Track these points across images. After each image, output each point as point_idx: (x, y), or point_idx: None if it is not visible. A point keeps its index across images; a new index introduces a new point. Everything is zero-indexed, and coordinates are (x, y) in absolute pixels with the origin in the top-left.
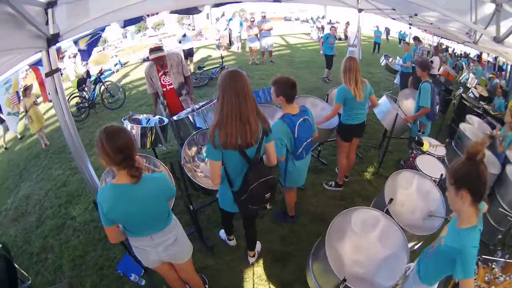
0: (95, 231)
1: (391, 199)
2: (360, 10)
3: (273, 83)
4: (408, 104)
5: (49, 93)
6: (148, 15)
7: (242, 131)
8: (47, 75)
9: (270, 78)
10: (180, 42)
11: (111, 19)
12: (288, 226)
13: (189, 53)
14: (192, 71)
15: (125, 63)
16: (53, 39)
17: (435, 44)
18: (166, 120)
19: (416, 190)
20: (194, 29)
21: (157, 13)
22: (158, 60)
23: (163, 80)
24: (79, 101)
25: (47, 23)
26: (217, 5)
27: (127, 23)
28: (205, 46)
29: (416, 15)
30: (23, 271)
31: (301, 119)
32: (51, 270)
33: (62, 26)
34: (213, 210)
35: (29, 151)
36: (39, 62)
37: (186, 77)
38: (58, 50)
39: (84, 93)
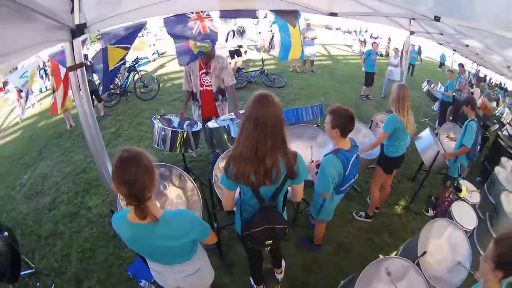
0: (109, 226)
1: (424, 252)
2: (412, 33)
3: (330, 112)
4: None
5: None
6: (192, 13)
7: (256, 168)
8: (70, 69)
9: (310, 89)
10: (226, 40)
11: (149, 13)
12: (311, 254)
13: (236, 52)
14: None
15: (163, 53)
16: (78, 30)
17: (474, 71)
18: (199, 125)
19: (447, 240)
20: (242, 30)
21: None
22: (208, 56)
23: (203, 79)
24: (111, 86)
25: (72, 11)
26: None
27: (170, 24)
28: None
29: (467, 46)
30: (28, 260)
31: (354, 156)
32: (58, 257)
33: (90, 16)
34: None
35: (53, 129)
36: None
37: (228, 86)
38: (84, 42)
39: (117, 79)
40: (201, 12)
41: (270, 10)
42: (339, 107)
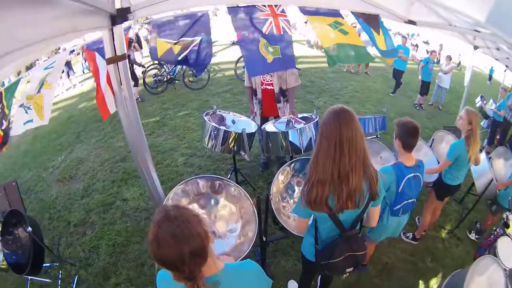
0: (145, 222)
1: None
2: (476, 48)
3: (395, 123)
4: (500, 164)
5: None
6: (264, 6)
7: (337, 190)
8: (109, 61)
9: (365, 92)
10: None
11: (211, 0)
12: (355, 273)
13: None
14: None
15: (214, 41)
16: (120, 16)
17: None
18: (254, 126)
19: (486, 279)
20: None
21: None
22: None
23: (264, 77)
24: (158, 73)
25: None
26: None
27: (235, 15)
28: (296, 41)
29: None
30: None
31: (412, 174)
32: (86, 247)
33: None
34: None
35: (93, 112)
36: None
37: (289, 88)
38: (127, 30)
39: (165, 66)
40: (275, 6)
41: (352, 12)
42: (405, 119)
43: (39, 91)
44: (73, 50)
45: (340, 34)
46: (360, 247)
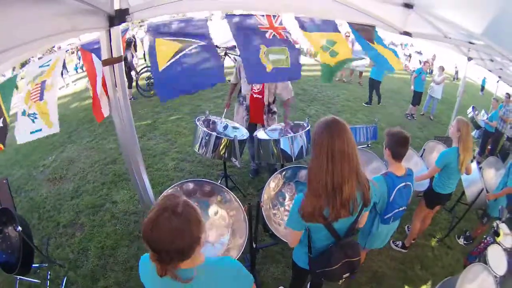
0: (134, 225)
1: None
2: (469, 59)
3: (385, 133)
4: (490, 174)
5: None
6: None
7: (331, 201)
8: (105, 63)
9: (357, 101)
10: None
11: (210, 5)
12: (345, 281)
13: None
14: None
15: None
16: (118, 17)
17: None
18: (245, 133)
19: (477, 286)
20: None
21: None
22: None
23: (254, 85)
24: (151, 76)
25: None
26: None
27: (234, 23)
28: None
29: None
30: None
31: (403, 184)
32: (74, 248)
33: (134, 1)
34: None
35: (86, 112)
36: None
37: (285, 101)
38: (124, 32)
39: None
40: (273, 17)
41: (348, 23)
42: (395, 129)
43: (41, 98)
44: (67, 50)
45: (328, 57)
46: (355, 253)
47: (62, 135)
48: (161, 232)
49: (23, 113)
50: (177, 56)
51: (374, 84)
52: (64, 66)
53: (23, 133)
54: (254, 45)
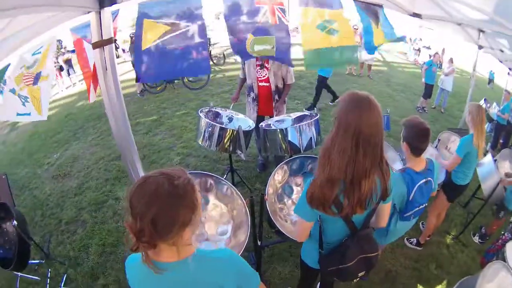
0: None
1: None
2: (480, 47)
3: (402, 123)
4: (505, 166)
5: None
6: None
7: (349, 194)
8: (95, 46)
9: None
10: None
11: None
12: (357, 281)
13: None
14: None
15: (214, 44)
16: None
17: None
18: (251, 124)
19: (496, 285)
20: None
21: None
22: None
23: (258, 73)
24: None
25: None
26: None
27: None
28: (298, 44)
29: None
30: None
31: (424, 180)
32: (75, 246)
33: None
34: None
35: (91, 111)
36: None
37: (286, 84)
38: (115, 15)
39: None
40: None
41: (354, 2)
42: (414, 118)
43: (35, 83)
44: (74, 50)
45: (326, 36)
46: (373, 248)
47: (67, 133)
48: (144, 190)
49: (12, 90)
50: (163, 38)
51: (322, 81)
52: (71, 66)
53: (10, 112)
54: (243, 34)
